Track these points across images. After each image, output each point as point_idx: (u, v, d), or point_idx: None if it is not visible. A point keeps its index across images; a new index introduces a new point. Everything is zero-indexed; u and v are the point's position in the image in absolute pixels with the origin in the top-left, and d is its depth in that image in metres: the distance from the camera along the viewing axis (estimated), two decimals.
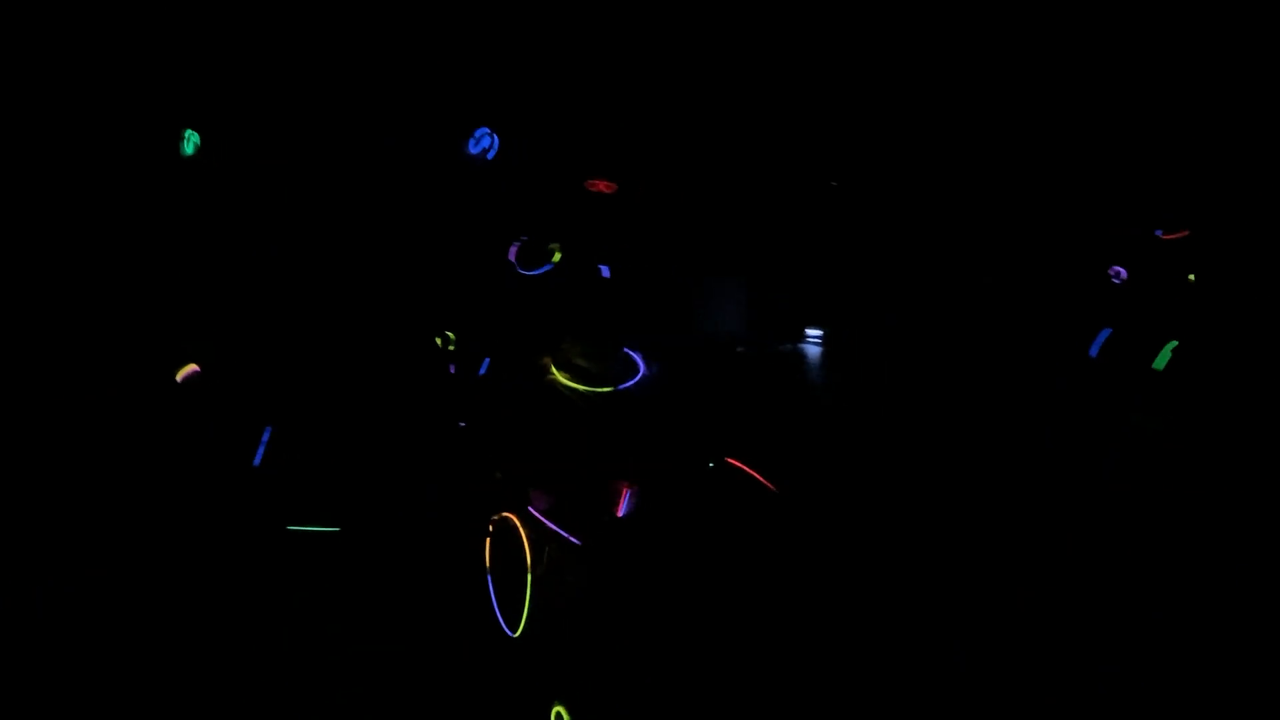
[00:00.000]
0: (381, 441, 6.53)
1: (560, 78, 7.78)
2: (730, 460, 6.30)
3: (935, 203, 7.62)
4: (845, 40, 7.72)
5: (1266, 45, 6.48)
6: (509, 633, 5.60)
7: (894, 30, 7.59)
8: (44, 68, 6.21)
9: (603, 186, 7.87)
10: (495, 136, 7.16)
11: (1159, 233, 7.05)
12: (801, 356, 8.15)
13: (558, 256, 7.60)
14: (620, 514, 5.81)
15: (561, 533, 5.72)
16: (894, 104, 7.77)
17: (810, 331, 8.15)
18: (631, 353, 6.72)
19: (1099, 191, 7.19)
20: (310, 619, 5.66)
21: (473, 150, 7.13)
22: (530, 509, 5.83)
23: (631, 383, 6.62)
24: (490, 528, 5.85)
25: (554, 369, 6.65)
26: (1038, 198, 7.31)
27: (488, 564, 5.84)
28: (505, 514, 5.82)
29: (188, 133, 6.54)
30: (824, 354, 8.09)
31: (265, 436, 6.46)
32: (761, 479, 6.19)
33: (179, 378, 6.14)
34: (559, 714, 5.19)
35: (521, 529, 5.67)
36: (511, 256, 7.42)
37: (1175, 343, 6.73)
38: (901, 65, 7.73)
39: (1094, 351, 6.90)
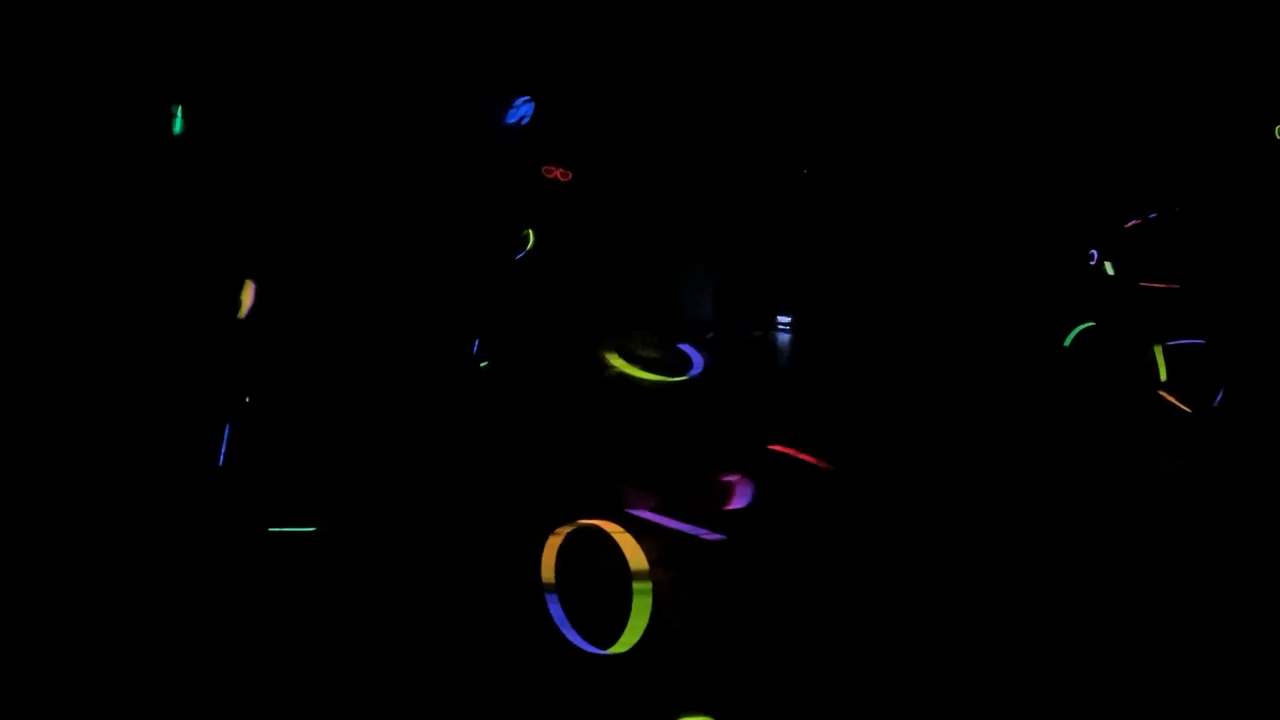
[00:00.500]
0: (388, 439, 5.60)
1: (532, 63, 7.13)
2: (775, 447, 5.82)
3: (918, 191, 7.54)
4: (827, 26, 7.50)
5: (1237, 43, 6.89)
6: (592, 649, 4.78)
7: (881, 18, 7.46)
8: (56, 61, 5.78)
9: (559, 174, 7.21)
10: (532, 104, 6.50)
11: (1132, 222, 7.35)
12: (773, 344, 7.83)
13: (531, 242, 6.93)
14: (735, 508, 5.15)
15: (696, 532, 4.96)
16: (871, 91, 7.63)
17: (781, 318, 7.85)
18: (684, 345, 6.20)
19: (1099, 187, 7.34)
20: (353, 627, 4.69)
21: (510, 119, 6.46)
22: (635, 510, 5.04)
23: (696, 371, 6.03)
24: (554, 537, 4.98)
25: (619, 362, 5.96)
26: (1031, 194, 7.38)
27: (551, 578, 4.97)
28: (585, 521, 4.97)
29: (175, 109, 5.90)
30: (794, 341, 7.82)
31: (226, 434, 5.39)
32: (812, 459, 5.75)
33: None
34: None
35: (620, 534, 4.86)
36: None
37: (1089, 324, 7.00)
38: (878, 50, 7.61)
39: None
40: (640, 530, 4.95)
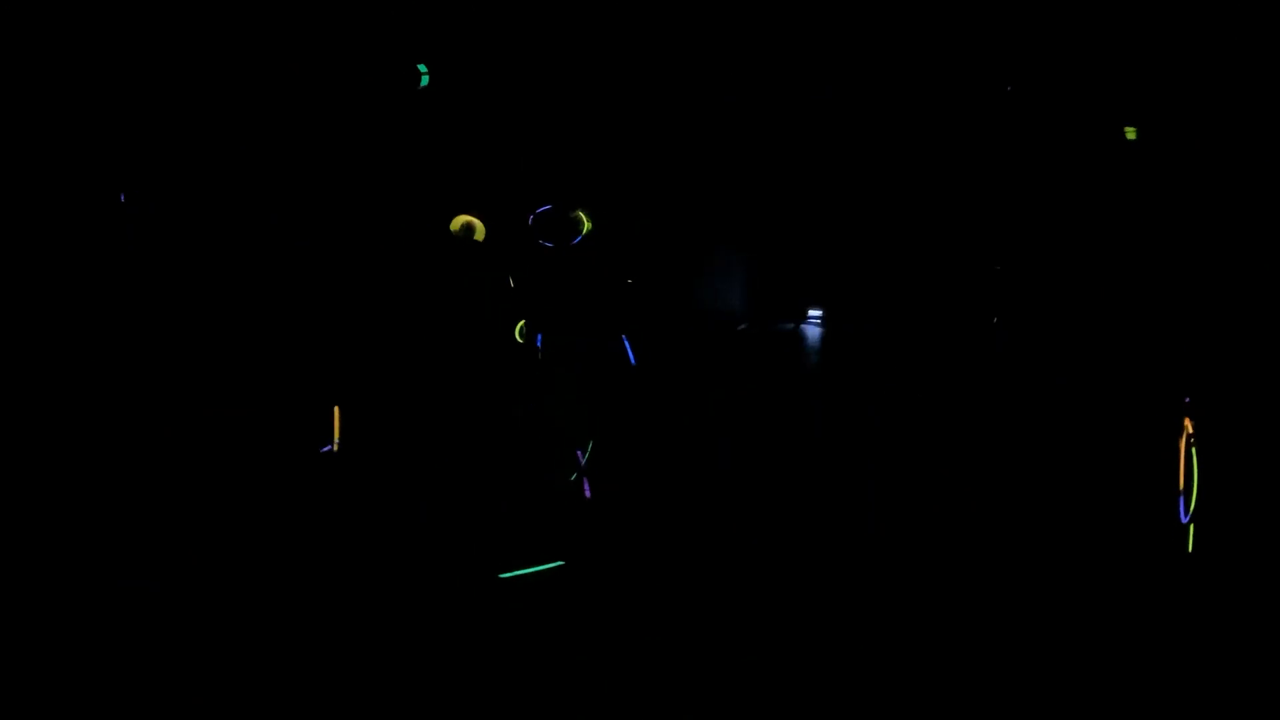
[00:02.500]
0: None
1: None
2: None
3: (952, 184, 7.36)
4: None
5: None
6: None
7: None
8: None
9: None
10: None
11: None
12: (802, 337, 7.68)
13: (588, 226, 6.63)
14: None
15: None
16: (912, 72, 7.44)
17: (812, 311, 7.70)
18: None
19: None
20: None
21: None
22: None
23: None
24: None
25: None
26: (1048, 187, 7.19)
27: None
28: None
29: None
30: (825, 335, 7.67)
31: None
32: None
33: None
34: None
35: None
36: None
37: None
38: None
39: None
40: None
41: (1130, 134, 6.78)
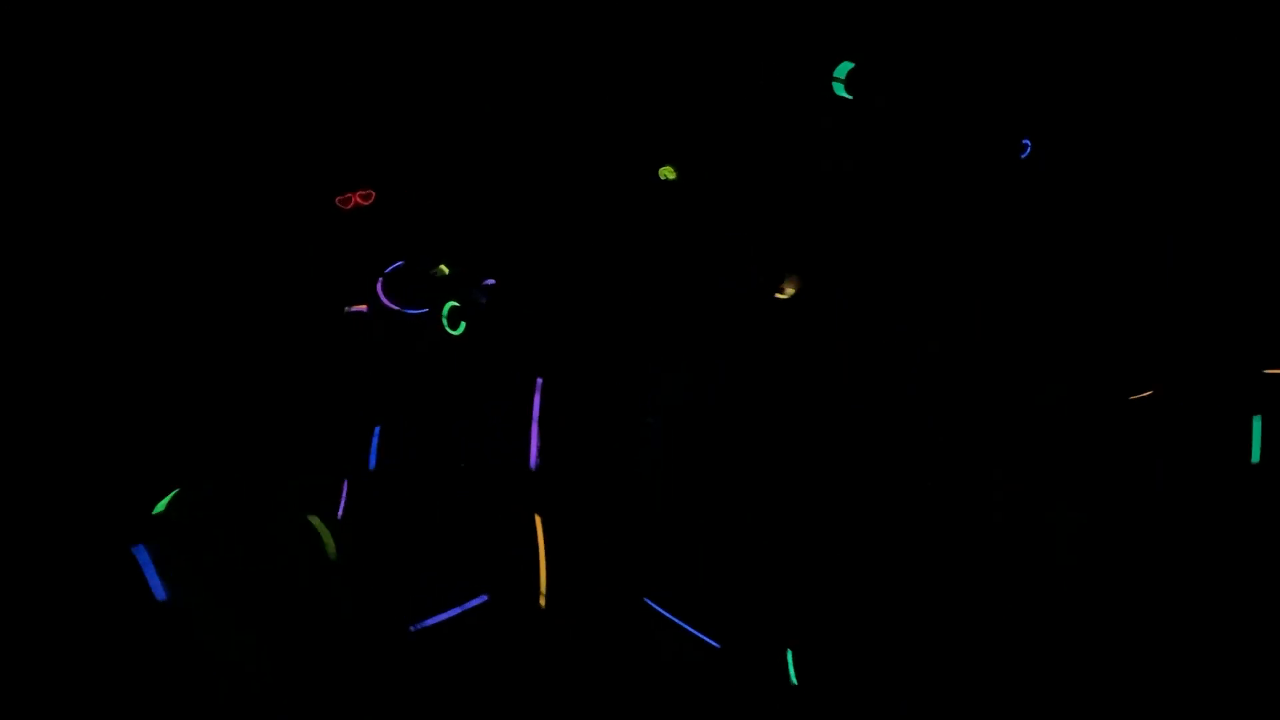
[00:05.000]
0: None
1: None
2: None
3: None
4: None
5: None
6: None
7: None
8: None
9: (358, 199, 5.65)
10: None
11: None
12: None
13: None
14: None
15: None
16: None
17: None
18: None
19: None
20: None
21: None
22: None
23: None
24: None
25: None
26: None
27: None
28: None
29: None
30: None
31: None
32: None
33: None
34: None
35: None
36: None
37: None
38: None
39: None
40: None
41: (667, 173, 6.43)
